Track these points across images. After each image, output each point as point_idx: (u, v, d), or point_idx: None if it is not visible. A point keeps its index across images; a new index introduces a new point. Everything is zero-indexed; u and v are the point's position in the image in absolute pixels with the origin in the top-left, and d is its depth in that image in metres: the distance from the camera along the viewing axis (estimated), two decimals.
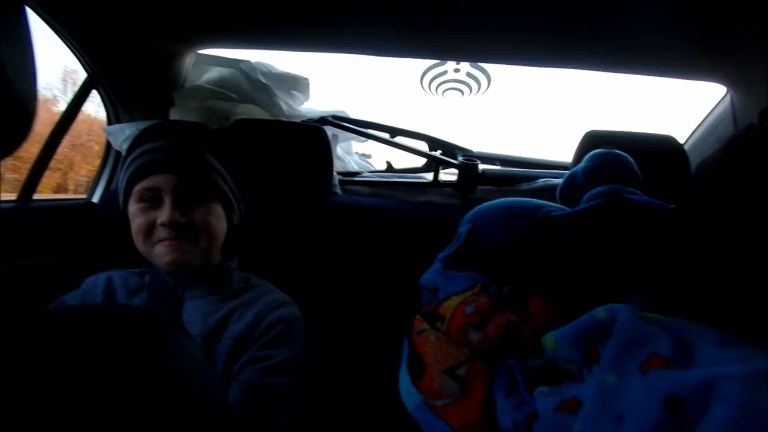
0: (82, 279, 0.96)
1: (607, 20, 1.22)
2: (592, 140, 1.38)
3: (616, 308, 0.57)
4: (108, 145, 1.43)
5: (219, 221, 0.92)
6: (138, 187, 0.88)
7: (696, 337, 0.56)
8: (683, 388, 0.47)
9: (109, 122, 1.41)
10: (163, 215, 0.86)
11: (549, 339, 0.63)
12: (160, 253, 0.88)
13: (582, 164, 1.10)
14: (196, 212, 0.88)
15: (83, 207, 1.34)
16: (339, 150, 1.70)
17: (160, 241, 0.87)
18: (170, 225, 0.86)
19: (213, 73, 1.48)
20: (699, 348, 0.53)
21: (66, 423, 0.23)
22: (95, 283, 0.94)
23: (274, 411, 0.80)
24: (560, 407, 0.61)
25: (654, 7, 1.14)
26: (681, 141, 1.49)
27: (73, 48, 1.22)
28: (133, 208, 0.89)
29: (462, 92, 1.83)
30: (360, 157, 1.91)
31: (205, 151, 0.91)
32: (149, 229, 0.88)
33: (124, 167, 0.92)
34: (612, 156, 1.08)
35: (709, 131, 1.68)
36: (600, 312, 0.58)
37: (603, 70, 1.56)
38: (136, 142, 0.92)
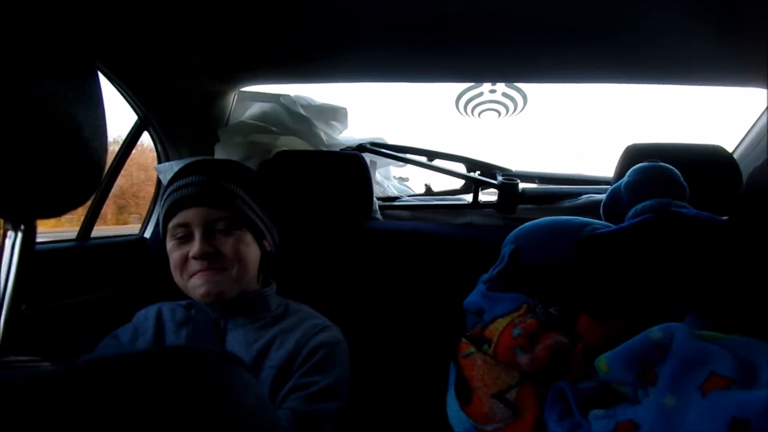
0: (134, 313, 1.00)
1: (641, 31, 1.20)
2: (634, 154, 1.35)
3: (672, 327, 0.55)
4: (158, 183, 1.50)
5: (249, 249, 0.95)
6: (171, 224, 0.93)
7: (758, 354, 0.53)
8: (749, 410, 0.45)
9: (159, 161, 1.48)
10: (194, 248, 0.90)
11: (602, 361, 0.61)
12: (195, 285, 0.91)
13: (625, 179, 1.08)
14: (226, 242, 0.91)
15: (136, 242, 1.41)
16: (378, 176, 1.73)
17: (194, 274, 0.91)
18: (201, 257, 0.90)
19: (255, 108, 1.54)
20: (763, 366, 0.51)
21: None
22: (146, 317, 0.97)
23: None
24: (616, 430, 0.59)
25: (688, 13, 1.12)
26: (729, 150, 1.44)
27: (123, 92, 1.30)
28: (169, 244, 0.94)
29: (498, 113, 1.83)
30: (398, 181, 1.93)
31: (231, 183, 0.94)
32: (183, 264, 0.92)
33: (162, 204, 0.97)
34: (657, 169, 1.06)
35: (758, 139, 1.62)
36: (655, 332, 0.56)
37: (641, 83, 1.54)
38: (170, 181, 0.97)
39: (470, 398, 0.80)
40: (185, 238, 0.92)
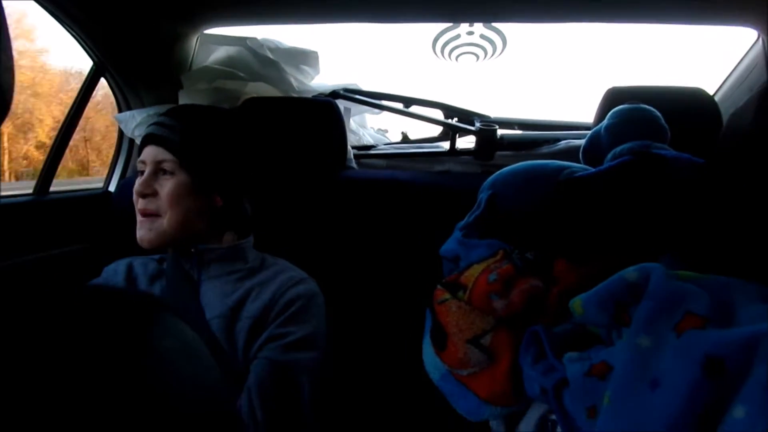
0: (102, 268, 0.97)
1: None
2: (615, 96, 1.32)
3: (648, 267, 0.54)
4: (120, 133, 1.42)
5: (189, 197, 0.90)
6: (136, 162, 0.94)
7: (734, 293, 0.52)
8: (723, 347, 0.44)
9: (120, 109, 1.40)
10: (135, 184, 0.90)
11: (576, 303, 0.60)
12: (138, 227, 0.91)
13: (605, 122, 1.06)
14: (165, 185, 0.89)
15: (101, 197, 1.35)
16: (353, 124, 1.67)
17: (138, 212, 0.91)
18: (138, 194, 0.90)
19: (220, 52, 1.45)
20: (738, 305, 0.50)
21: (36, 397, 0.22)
22: (116, 271, 0.94)
23: (296, 386, 0.80)
24: (590, 372, 0.59)
25: None
26: (711, 93, 1.42)
27: (75, 35, 1.21)
28: None
29: (477, 56, 1.76)
30: (377, 132, 1.87)
31: (192, 126, 0.92)
32: (135, 202, 0.92)
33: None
34: (637, 111, 1.03)
35: (740, 80, 1.59)
36: (630, 272, 0.55)
37: (623, 21, 1.48)
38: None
39: (445, 344, 0.79)
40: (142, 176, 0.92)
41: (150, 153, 0.91)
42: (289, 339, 0.83)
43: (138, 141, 1.36)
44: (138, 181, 0.90)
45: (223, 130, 0.95)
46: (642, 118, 1.02)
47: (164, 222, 0.89)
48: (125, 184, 1.36)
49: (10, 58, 0.35)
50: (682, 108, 1.21)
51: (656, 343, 0.49)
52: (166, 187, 0.89)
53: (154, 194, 0.89)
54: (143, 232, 0.90)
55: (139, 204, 0.90)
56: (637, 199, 0.78)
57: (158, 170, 0.90)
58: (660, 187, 0.80)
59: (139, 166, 0.92)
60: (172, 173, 0.90)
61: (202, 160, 0.91)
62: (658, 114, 1.03)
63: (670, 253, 0.67)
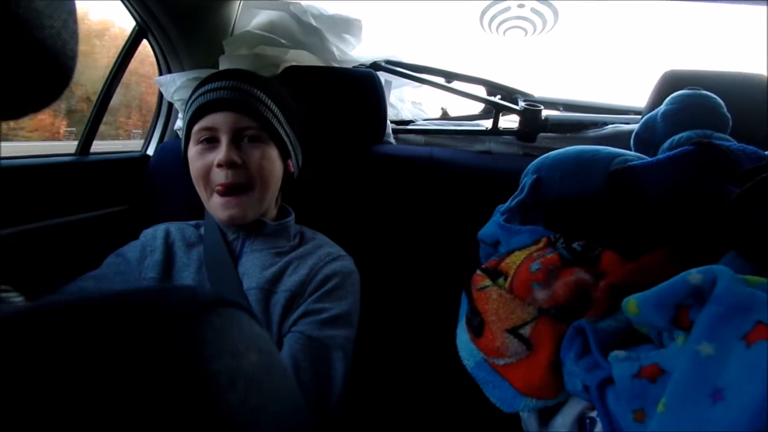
0: (140, 231, 0.97)
1: None
2: (672, 81, 1.25)
3: (715, 270, 0.50)
4: (160, 97, 1.42)
5: (274, 166, 0.90)
6: (196, 128, 0.88)
7: None
8: None
9: (160, 73, 1.39)
10: (219, 155, 0.85)
11: (631, 302, 0.57)
12: (217, 207, 0.87)
13: (662, 107, 1.00)
14: (252, 154, 0.86)
15: (139, 159, 1.36)
16: (392, 97, 1.63)
17: (217, 190, 0.86)
18: (226, 164, 0.84)
19: (262, 17, 1.42)
20: None
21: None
22: (154, 236, 0.95)
23: (329, 363, 0.80)
24: (640, 374, 0.56)
25: None
26: None
27: None
28: (192, 151, 0.89)
29: (525, 31, 1.69)
30: (412, 104, 1.83)
31: (263, 93, 0.89)
32: (207, 174, 0.87)
33: (186, 109, 0.91)
34: (698, 97, 0.97)
35: None
36: (694, 274, 0.51)
37: None
38: (199, 85, 0.92)
39: (482, 331, 0.77)
40: (210, 144, 0.87)
41: (226, 120, 0.85)
42: (325, 315, 0.83)
43: (178, 105, 1.35)
44: (223, 152, 0.84)
45: (289, 96, 0.95)
46: (703, 106, 0.96)
47: (255, 194, 0.87)
48: (164, 148, 1.36)
49: (75, 21, 0.34)
50: (743, 95, 1.14)
51: (721, 352, 0.46)
52: (255, 156, 0.86)
53: (242, 165, 0.86)
54: (235, 211, 0.86)
55: (225, 177, 0.85)
56: (698, 192, 0.74)
57: (240, 137, 0.86)
58: (723, 181, 0.75)
59: (203, 134, 0.87)
60: (257, 140, 0.87)
61: (283, 127, 0.90)
62: (720, 102, 0.97)
63: (733, 252, 0.63)
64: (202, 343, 0.24)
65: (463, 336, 0.82)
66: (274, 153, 0.90)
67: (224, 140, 0.85)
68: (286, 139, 0.92)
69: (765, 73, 1.32)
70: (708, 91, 0.99)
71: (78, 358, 0.21)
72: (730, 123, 0.95)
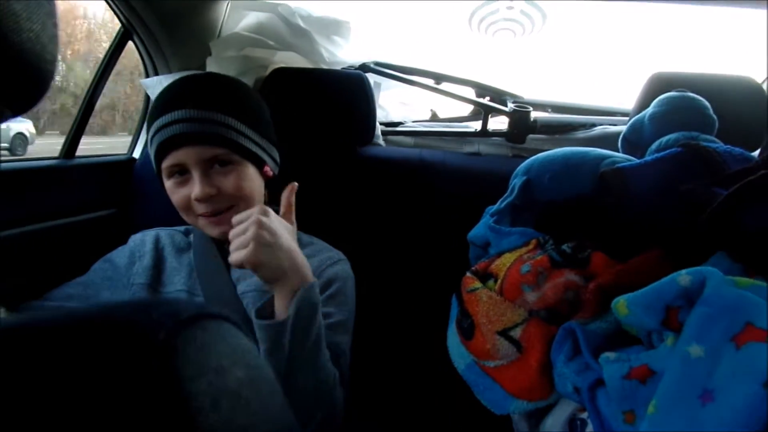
0: (128, 236, 0.96)
1: None
2: (659, 83, 1.26)
3: (704, 272, 0.50)
4: (146, 99, 1.41)
5: (252, 182, 0.88)
6: (165, 164, 0.85)
7: None
8: None
9: (147, 75, 1.38)
10: (194, 191, 0.82)
11: (621, 303, 0.57)
12: (206, 226, 0.86)
13: (650, 109, 1.01)
14: (227, 180, 0.84)
15: (126, 162, 1.34)
16: (381, 99, 1.63)
17: (201, 215, 0.85)
18: (203, 199, 0.83)
19: (250, 19, 1.41)
20: None
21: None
22: (143, 241, 0.93)
23: (335, 369, 0.78)
24: (630, 375, 0.56)
25: None
26: (759, 81, 1.34)
27: None
28: (167, 184, 0.87)
29: (514, 32, 1.69)
30: (400, 104, 1.83)
31: (224, 113, 0.84)
32: (187, 205, 0.85)
33: (150, 141, 0.87)
34: (685, 99, 0.98)
35: None
36: (684, 275, 0.51)
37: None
38: (154, 111, 0.86)
39: (473, 334, 0.77)
40: (182, 176, 0.84)
41: (192, 155, 0.82)
42: (330, 321, 0.82)
43: None
44: (197, 188, 0.82)
45: (252, 97, 0.92)
46: (689, 108, 0.97)
47: (239, 210, 0.83)
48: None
49: (55, 25, 0.33)
50: (730, 97, 1.15)
51: (710, 353, 0.46)
52: (230, 181, 0.84)
53: (219, 193, 0.84)
54: (224, 227, 0.83)
55: (205, 207, 0.84)
56: (685, 194, 0.74)
57: (210, 166, 0.84)
58: (710, 183, 0.75)
59: (173, 170, 0.84)
60: (229, 163, 0.85)
61: (253, 140, 0.88)
62: (707, 104, 0.98)
63: (721, 252, 0.63)
64: (184, 361, 0.23)
65: (453, 338, 0.82)
66: (249, 170, 0.87)
67: (195, 175, 0.83)
68: (257, 150, 0.89)
69: (750, 75, 1.34)
70: (694, 93, 1.00)
71: (51, 379, 0.20)
72: (717, 125, 0.96)
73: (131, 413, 0.20)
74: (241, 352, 0.27)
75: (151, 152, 0.87)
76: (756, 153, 0.92)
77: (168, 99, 0.85)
